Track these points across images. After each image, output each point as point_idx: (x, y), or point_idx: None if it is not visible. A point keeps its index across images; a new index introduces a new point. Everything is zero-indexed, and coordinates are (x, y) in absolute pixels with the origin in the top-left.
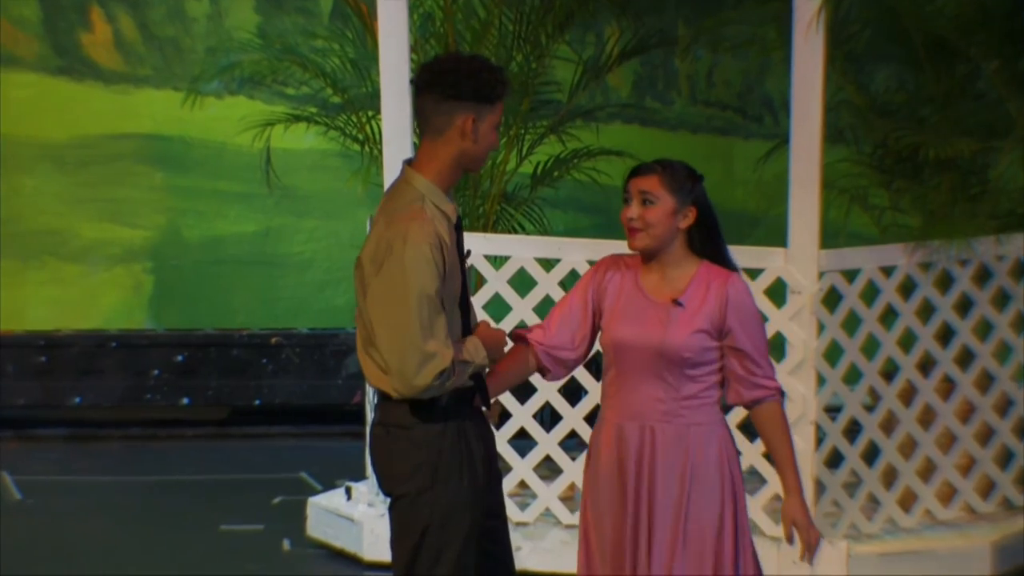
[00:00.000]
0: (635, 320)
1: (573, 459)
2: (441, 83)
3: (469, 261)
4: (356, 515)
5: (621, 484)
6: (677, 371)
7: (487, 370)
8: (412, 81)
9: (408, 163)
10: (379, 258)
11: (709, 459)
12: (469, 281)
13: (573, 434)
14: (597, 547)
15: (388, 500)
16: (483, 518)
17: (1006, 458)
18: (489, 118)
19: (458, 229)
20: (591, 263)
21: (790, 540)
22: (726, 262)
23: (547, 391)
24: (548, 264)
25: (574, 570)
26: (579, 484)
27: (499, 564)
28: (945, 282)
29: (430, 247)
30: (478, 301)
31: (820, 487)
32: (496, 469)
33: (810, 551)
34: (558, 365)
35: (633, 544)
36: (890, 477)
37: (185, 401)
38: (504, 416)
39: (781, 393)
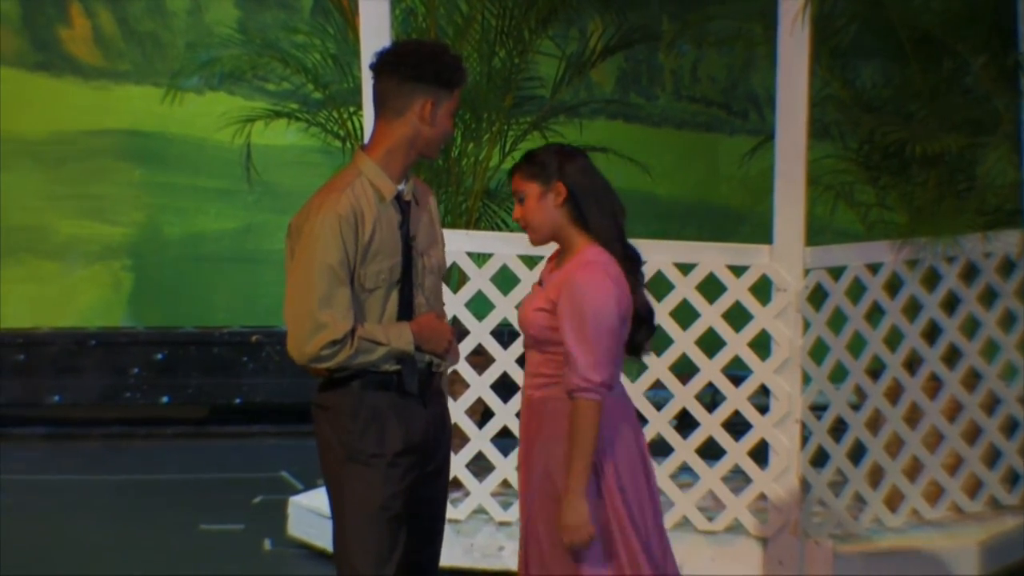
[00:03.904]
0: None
1: None
2: (404, 64)
3: (450, 259)
4: None
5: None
6: (535, 347)
7: (428, 360)
8: (372, 65)
9: (362, 147)
10: (300, 227)
11: (559, 436)
12: (446, 276)
13: None
14: None
15: None
16: (401, 506)
17: (993, 457)
18: (447, 104)
19: (405, 211)
20: None
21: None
22: (609, 239)
23: None
24: (531, 261)
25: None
26: None
27: (422, 559)
28: (932, 279)
29: (339, 219)
30: (460, 298)
31: (806, 486)
32: (437, 462)
33: (575, 550)
34: None
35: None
36: (876, 476)
37: (165, 400)
38: (487, 414)
39: (591, 392)
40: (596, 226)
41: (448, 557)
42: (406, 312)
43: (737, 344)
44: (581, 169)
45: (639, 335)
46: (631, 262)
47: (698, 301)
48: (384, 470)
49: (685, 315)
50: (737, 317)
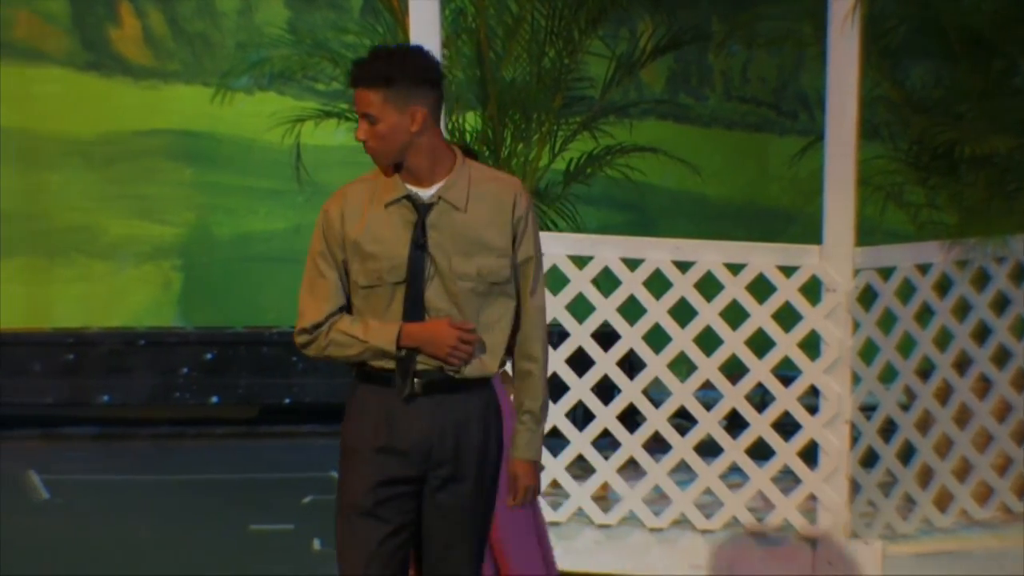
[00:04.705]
0: None
1: (606, 458)
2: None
3: None
4: None
5: None
6: None
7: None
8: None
9: None
10: None
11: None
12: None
13: (606, 433)
14: None
15: None
16: (376, 506)
17: None
18: None
19: (423, 213)
20: (624, 261)
21: None
22: None
23: (580, 389)
24: (581, 261)
25: (607, 570)
26: (612, 483)
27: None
28: (981, 280)
29: (324, 214)
30: None
31: (855, 487)
32: (451, 469)
33: None
34: None
35: None
36: (926, 477)
37: (214, 400)
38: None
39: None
40: None
41: None
42: (415, 313)
43: (787, 344)
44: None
45: None
46: None
47: (748, 301)
48: (359, 466)
49: (735, 315)
50: (787, 317)
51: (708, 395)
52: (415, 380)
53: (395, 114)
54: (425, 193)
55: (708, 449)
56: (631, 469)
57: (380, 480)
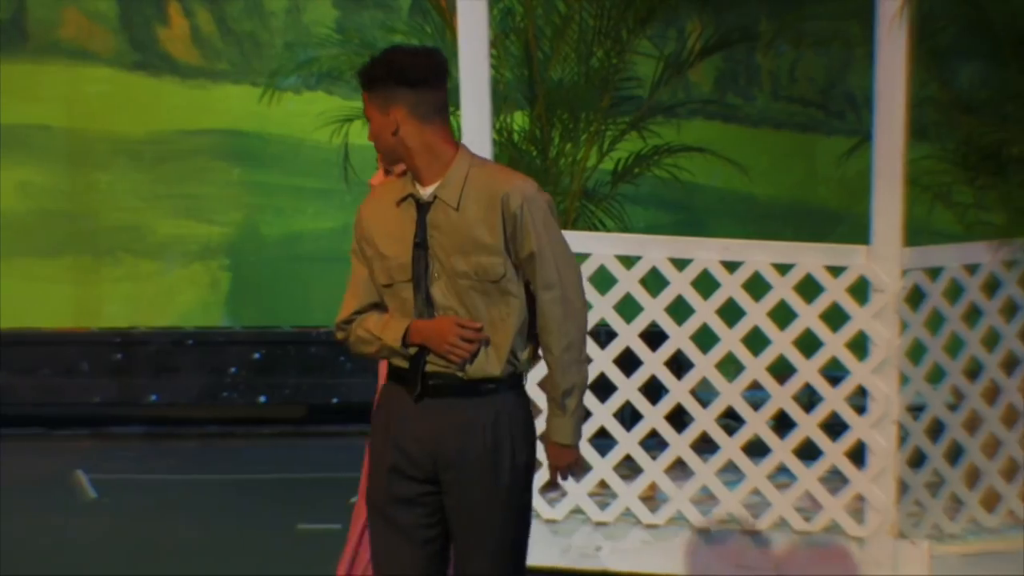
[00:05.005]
0: None
1: (654, 458)
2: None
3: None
4: None
5: None
6: None
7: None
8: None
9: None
10: None
11: None
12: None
13: (654, 433)
14: None
15: None
16: (387, 504)
17: None
18: None
19: (422, 212)
20: (672, 261)
21: None
22: None
23: (627, 389)
24: (629, 261)
25: (654, 570)
26: (660, 483)
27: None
28: None
29: (358, 211)
30: None
31: (903, 487)
32: (457, 472)
33: None
34: None
35: None
36: (973, 477)
37: (262, 399)
38: (585, 415)
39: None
40: None
41: (546, 557)
42: (426, 311)
43: (835, 345)
44: None
45: None
46: None
47: (795, 302)
48: (375, 460)
49: (783, 316)
50: (835, 318)
51: (756, 395)
52: (427, 381)
53: (379, 115)
54: (426, 192)
55: (756, 449)
56: (679, 469)
57: (391, 477)
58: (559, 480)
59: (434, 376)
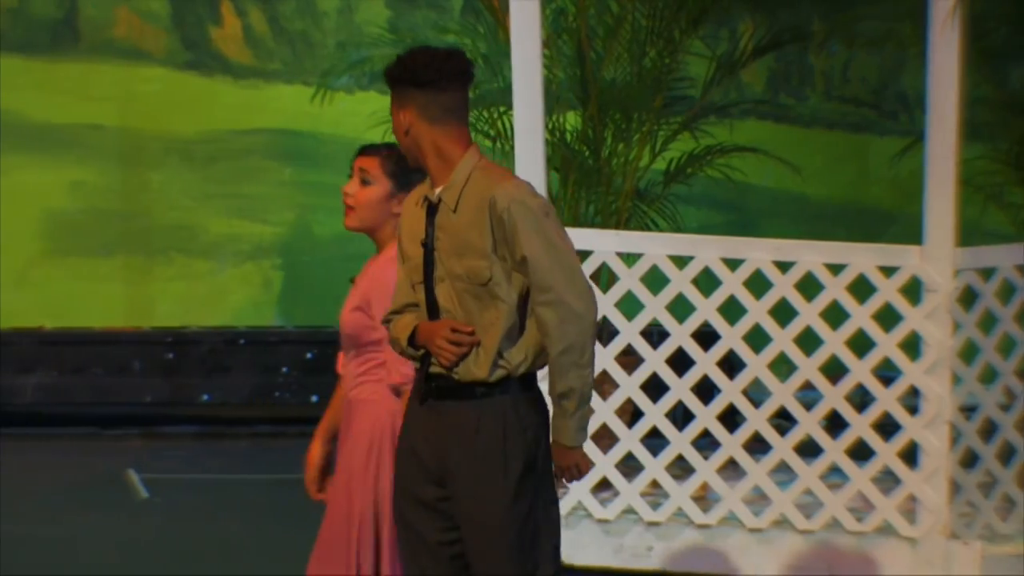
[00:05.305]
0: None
1: (706, 458)
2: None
3: (599, 259)
4: None
5: None
6: (352, 347)
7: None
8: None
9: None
10: None
11: (360, 437)
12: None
13: (706, 433)
14: None
15: None
16: (407, 506)
17: None
18: None
19: (431, 214)
20: (724, 260)
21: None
22: None
23: (680, 389)
24: (681, 262)
25: (707, 570)
26: (712, 483)
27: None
28: None
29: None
30: (610, 299)
31: (955, 487)
32: (453, 476)
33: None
34: None
35: None
36: None
37: (314, 399)
38: (636, 414)
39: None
40: None
41: (598, 557)
42: (432, 313)
43: (887, 345)
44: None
45: None
46: None
47: (848, 302)
48: (395, 463)
49: (835, 316)
50: (887, 318)
51: (808, 395)
52: (431, 383)
53: (395, 114)
54: (435, 193)
55: (808, 449)
56: (731, 469)
57: (409, 478)
58: (564, 480)
59: (436, 378)
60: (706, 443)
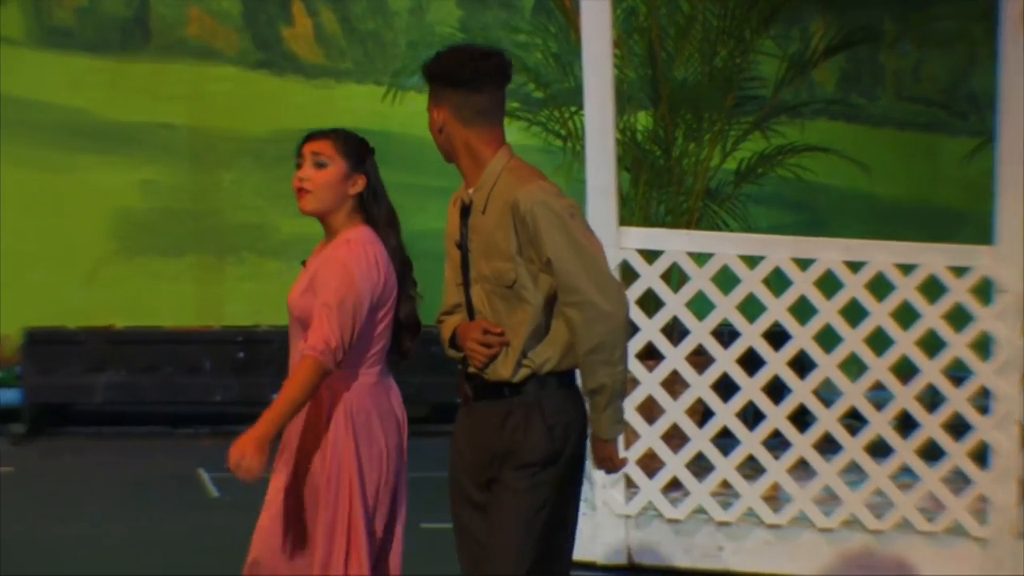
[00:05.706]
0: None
1: (776, 458)
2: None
3: (670, 259)
4: None
5: None
6: (299, 329)
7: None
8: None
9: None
10: None
11: (317, 427)
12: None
13: (776, 433)
14: None
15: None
16: (461, 509)
17: None
18: None
19: (464, 215)
20: (795, 260)
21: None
22: (387, 236)
23: (751, 389)
24: (752, 261)
25: (777, 570)
26: (783, 483)
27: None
28: None
29: None
30: (681, 298)
31: None
32: (493, 474)
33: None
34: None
35: None
36: None
37: None
38: (707, 414)
39: (321, 354)
40: (375, 221)
41: (668, 557)
42: (471, 313)
43: (958, 345)
44: (375, 166)
45: (406, 342)
46: (406, 267)
47: (919, 302)
48: (450, 463)
49: (906, 316)
50: (958, 318)
51: (879, 395)
52: (472, 383)
53: (431, 111)
54: (468, 194)
55: (879, 450)
56: (801, 469)
57: (461, 476)
58: (604, 472)
59: (473, 378)
60: (776, 443)
